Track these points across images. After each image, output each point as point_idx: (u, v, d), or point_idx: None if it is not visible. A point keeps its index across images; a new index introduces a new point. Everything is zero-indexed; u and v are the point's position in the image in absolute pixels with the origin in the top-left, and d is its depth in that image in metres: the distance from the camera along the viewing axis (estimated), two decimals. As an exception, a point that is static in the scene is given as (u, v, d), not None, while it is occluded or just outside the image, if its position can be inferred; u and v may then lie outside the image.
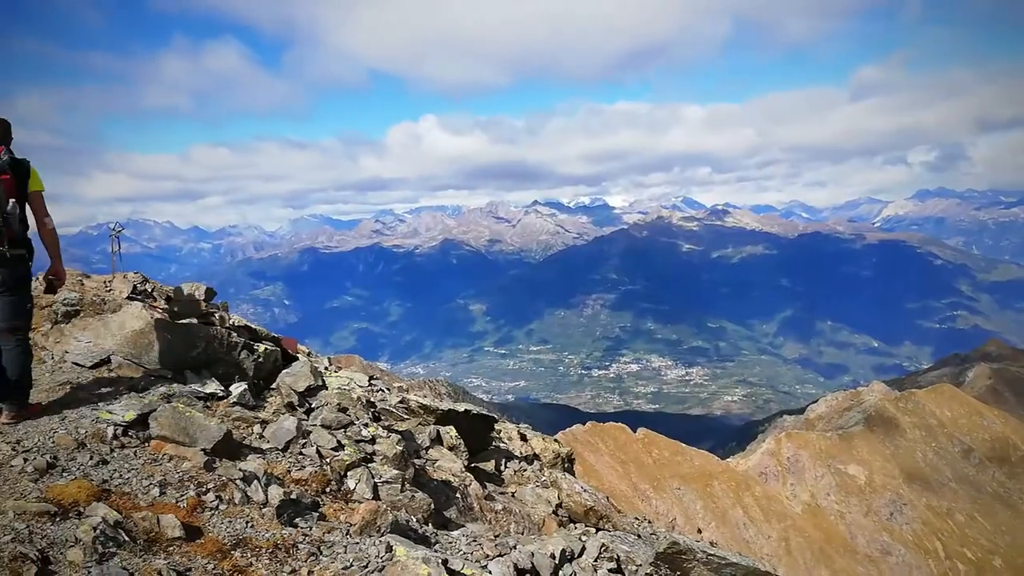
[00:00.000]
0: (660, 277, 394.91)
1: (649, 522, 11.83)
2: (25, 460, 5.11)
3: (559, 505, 9.69)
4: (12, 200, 5.45)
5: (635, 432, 75.90)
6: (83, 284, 18.65)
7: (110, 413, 5.83)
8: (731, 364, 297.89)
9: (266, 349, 7.76)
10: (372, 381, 10.27)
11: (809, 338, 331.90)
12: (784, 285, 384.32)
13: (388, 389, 10.44)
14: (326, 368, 10.11)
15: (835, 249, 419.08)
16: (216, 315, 8.06)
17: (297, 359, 8.63)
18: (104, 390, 6.76)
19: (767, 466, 72.81)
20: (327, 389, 7.99)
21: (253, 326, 8.60)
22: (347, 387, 8.28)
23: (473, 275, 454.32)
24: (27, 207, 5.74)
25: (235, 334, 7.63)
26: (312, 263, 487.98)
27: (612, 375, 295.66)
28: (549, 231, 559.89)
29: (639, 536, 9.70)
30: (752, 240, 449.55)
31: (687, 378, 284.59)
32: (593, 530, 9.43)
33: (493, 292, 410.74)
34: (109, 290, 17.44)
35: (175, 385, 6.99)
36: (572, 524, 9.59)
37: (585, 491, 10.13)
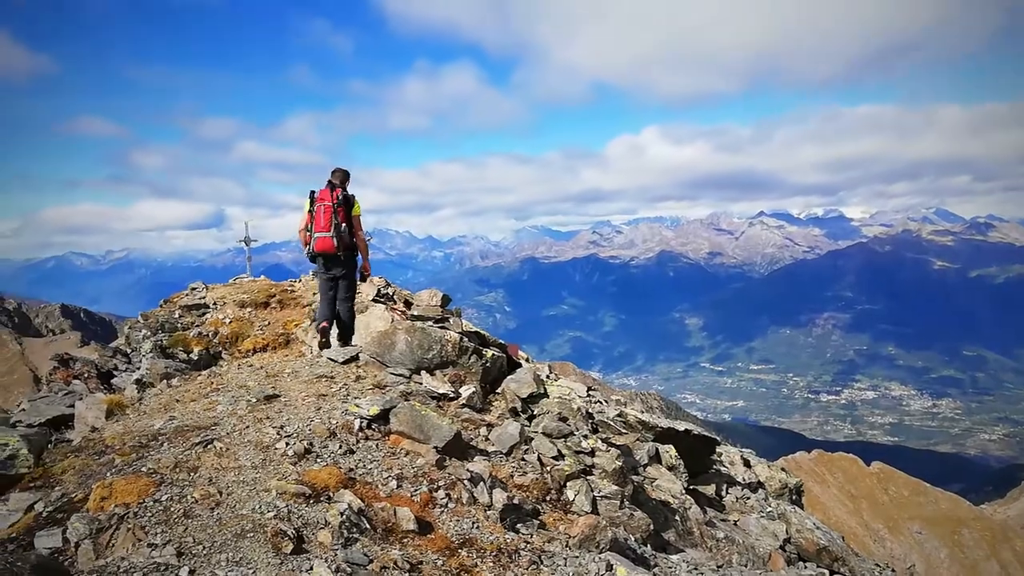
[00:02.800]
0: (905, 297, 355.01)
1: (892, 571, 10.53)
2: (287, 444, 5.70)
3: (787, 540, 8.94)
4: (344, 224, 8.34)
5: (868, 466, 69.15)
6: (335, 286, 20.57)
7: (357, 407, 6.34)
8: (990, 398, 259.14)
9: (493, 355, 8.02)
10: (590, 392, 10.24)
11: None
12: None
13: (606, 401, 10.34)
14: (547, 376, 10.26)
15: None
16: (450, 320, 8.50)
17: (520, 365, 8.83)
18: (352, 384, 7.39)
19: (1035, 519, 62.53)
20: (548, 397, 8.06)
21: (482, 332, 8.95)
22: (567, 397, 8.31)
23: (690, 288, 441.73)
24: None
25: (466, 339, 7.97)
26: (532, 272, 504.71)
27: (843, 401, 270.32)
28: (776, 244, 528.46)
29: (882, 587, 8.68)
30: (1022, 257, 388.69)
31: (934, 411, 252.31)
32: (827, 573, 8.58)
33: (711, 306, 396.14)
34: (358, 292, 19.19)
35: (412, 383, 7.45)
36: (802, 563, 8.80)
37: (818, 528, 9.25)
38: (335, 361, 8.14)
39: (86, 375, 14.77)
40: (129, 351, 16.02)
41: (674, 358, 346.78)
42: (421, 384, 7.47)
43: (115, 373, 15.59)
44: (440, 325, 8.25)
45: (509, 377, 8.11)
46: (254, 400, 6.70)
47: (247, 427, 6.05)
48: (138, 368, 15.93)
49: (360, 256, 8.89)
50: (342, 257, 8.52)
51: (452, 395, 7.36)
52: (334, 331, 8.97)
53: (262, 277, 22.51)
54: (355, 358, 8.18)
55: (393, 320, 8.45)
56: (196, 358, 16.65)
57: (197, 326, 17.61)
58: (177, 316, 18.04)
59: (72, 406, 7.26)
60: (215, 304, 18.60)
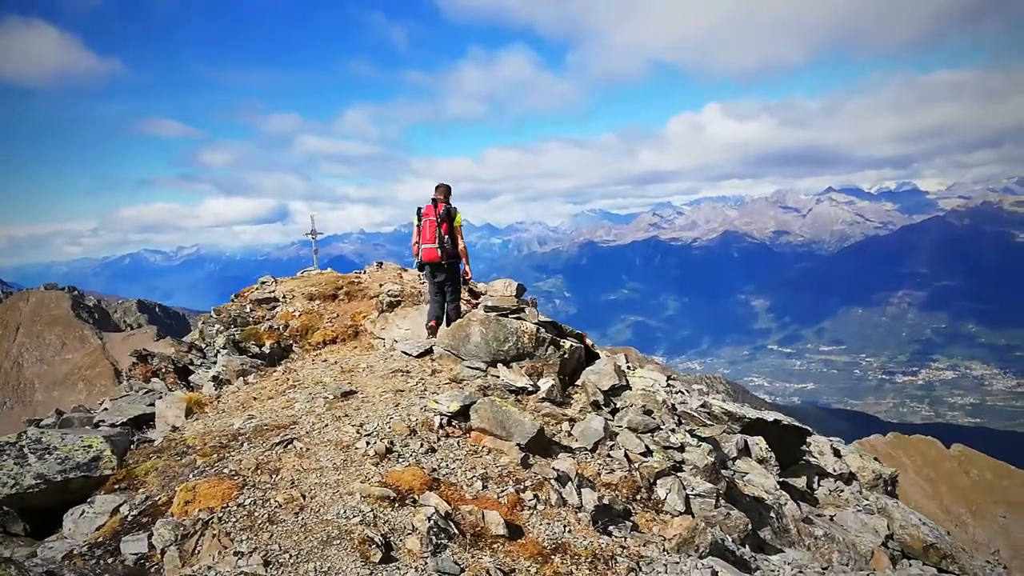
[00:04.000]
0: (986, 272, 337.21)
1: (1004, 567, 9.81)
2: (367, 443, 5.51)
3: (890, 536, 8.37)
4: (447, 235, 9.05)
5: (949, 448, 66.58)
6: (401, 277, 20.61)
7: (436, 403, 6.11)
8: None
9: (571, 346, 7.68)
10: (670, 381, 9.81)
11: None
12: None
13: (687, 391, 9.90)
14: (627, 367, 9.85)
15: None
16: (526, 310, 8.19)
17: (598, 356, 8.47)
18: (428, 378, 7.18)
19: None
20: (631, 390, 7.69)
21: (558, 322, 8.61)
22: (651, 389, 7.91)
23: (756, 268, 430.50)
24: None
25: (543, 330, 7.66)
26: (591, 256, 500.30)
27: (920, 382, 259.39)
28: (845, 220, 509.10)
29: (997, 588, 8.05)
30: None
31: (1019, 390, 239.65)
32: (935, 571, 8.00)
33: (778, 287, 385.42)
34: (423, 282, 19.11)
35: (489, 377, 7.19)
36: (906, 561, 8.23)
37: (924, 524, 8.64)
38: (409, 355, 7.95)
39: (164, 370, 15.08)
40: (203, 346, 16.30)
41: (740, 341, 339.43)
42: (498, 378, 7.20)
43: (191, 368, 15.88)
44: (515, 316, 7.95)
45: (588, 369, 7.77)
46: (331, 397, 6.55)
47: (326, 426, 5.89)
48: (213, 363, 16.17)
49: (464, 261, 9.54)
50: (446, 265, 9.31)
51: (531, 388, 7.07)
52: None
53: (328, 270, 22.73)
54: (429, 351, 7.97)
55: (468, 314, 8.20)
56: (268, 351, 16.83)
57: (268, 320, 17.83)
58: (248, 310, 18.32)
59: (153, 404, 7.27)
60: (284, 297, 18.81)
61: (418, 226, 9.32)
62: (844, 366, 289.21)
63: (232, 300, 20.03)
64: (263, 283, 20.24)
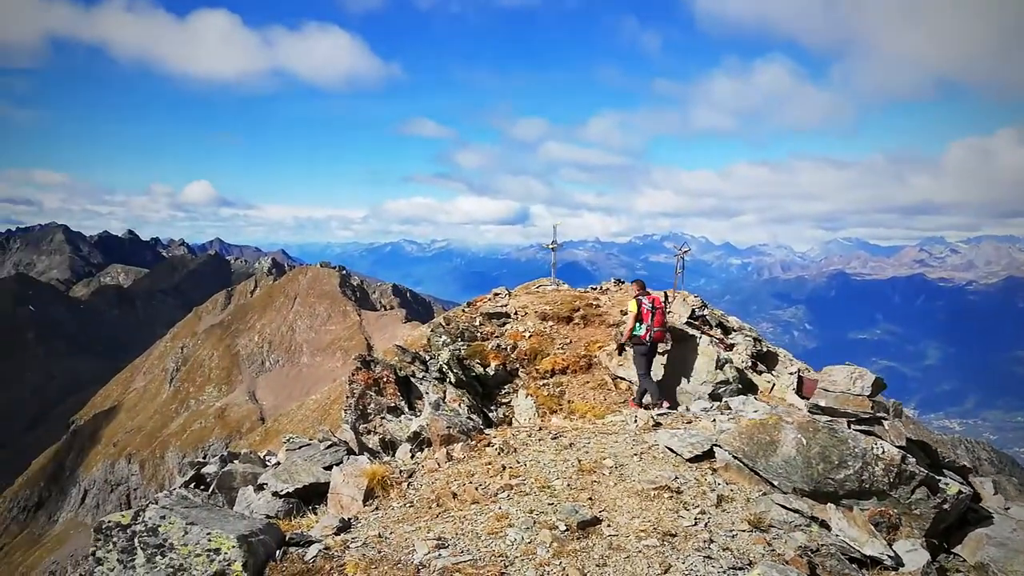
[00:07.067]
0: None
1: None
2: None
3: None
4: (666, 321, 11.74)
5: None
6: (645, 303, 17.73)
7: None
8: None
9: (958, 492, 4.61)
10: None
11: None
12: None
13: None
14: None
15: None
16: (885, 422, 5.23)
17: (978, 496, 5.25)
18: (713, 512, 4.56)
19: None
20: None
21: (927, 443, 5.52)
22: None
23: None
24: None
25: (910, 458, 4.67)
26: (840, 288, 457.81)
27: None
28: None
29: None
30: None
31: None
32: None
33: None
34: (669, 311, 16.26)
35: (816, 529, 4.40)
36: None
37: None
38: (676, 453, 5.39)
39: (384, 380, 13.98)
40: (427, 358, 15.03)
41: (1016, 406, 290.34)
42: (831, 530, 4.39)
43: (412, 379, 14.66)
44: (863, 427, 5.07)
45: (982, 531, 4.65)
46: (563, 528, 4.20)
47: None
48: (435, 379, 14.73)
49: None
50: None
51: (888, 561, 4.18)
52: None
53: (564, 286, 20.81)
54: (708, 453, 5.35)
55: (778, 411, 5.46)
56: (493, 373, 15.16)
57: (496, 337, 16.27)
58: (477, 324, 16.93)
59: (331, 468, 5.48)
60: (516, 314, 17.17)
61: (651, 311, 11.26)
62: None
63: (464, 309, 18.84)
64: (496, 295, 18.79)
